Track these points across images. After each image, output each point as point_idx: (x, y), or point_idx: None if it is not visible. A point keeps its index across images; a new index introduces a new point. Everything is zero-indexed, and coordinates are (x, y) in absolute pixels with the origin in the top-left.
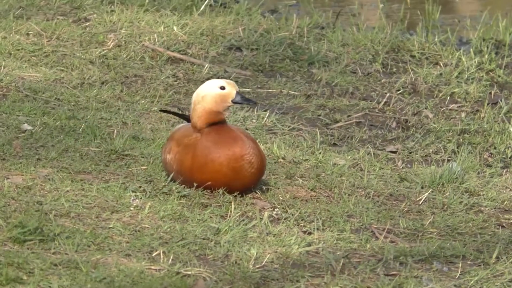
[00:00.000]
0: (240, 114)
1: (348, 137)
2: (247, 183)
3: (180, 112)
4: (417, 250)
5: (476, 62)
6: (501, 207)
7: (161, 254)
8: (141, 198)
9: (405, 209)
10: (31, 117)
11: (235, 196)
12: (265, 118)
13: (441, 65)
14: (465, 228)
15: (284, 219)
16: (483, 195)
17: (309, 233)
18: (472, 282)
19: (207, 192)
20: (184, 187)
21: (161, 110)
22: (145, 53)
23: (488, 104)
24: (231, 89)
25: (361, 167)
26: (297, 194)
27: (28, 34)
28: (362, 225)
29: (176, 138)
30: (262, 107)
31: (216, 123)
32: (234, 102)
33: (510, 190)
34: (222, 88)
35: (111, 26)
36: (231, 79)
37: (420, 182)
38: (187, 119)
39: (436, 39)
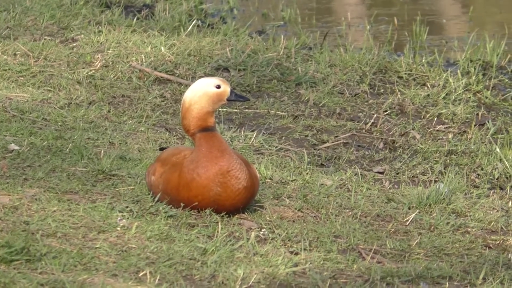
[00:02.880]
0: (227, 134)
1: (336, 157)
2: (235, 200)
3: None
4: (404, 271)
5: (464, 83)
6: (488, 228)
7: (148, 274)
8: (128, 218)
9: (392, 229)
10: (18, 137)
11: (222, 216)
12: (253, 139)
13: (429, 86)
14: (452, 249)
15: (271, 239)
16: (470, 216)
17: (296, 254)
18: None
19: (194, 212)
20: (171, 207)
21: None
22: (133, 74)
23: (475, 125)
24: (226, 87)
25: (348, 187)
26: (284, 215)
27: (15, 55)
28: (349, 245)
29: (162, 159)
30: (249, 127)
31: (207, 129)
32: (228, 100)
33: (497, 211)
34: (218, 86)
35: (99, 47)
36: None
37: (407, 203)
38: None
39: (423, 60)
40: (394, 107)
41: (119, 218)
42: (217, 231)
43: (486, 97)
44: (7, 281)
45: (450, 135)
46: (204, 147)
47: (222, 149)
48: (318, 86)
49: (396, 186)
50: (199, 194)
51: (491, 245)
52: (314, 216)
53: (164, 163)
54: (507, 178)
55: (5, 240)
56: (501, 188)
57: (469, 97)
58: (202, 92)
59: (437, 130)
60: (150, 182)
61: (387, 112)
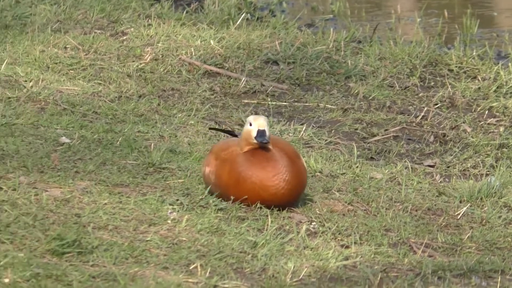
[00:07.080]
0: (277, 127)
1: (386, 151)
2: (283, 201)
3: (228, 129)
4: (456, 265)
5: None
6: None
7: (199, 267)
8: (178, 211)
9: (443, 223)
10: (69, 130)
11: (272, 209)
12: (302, 132)
13: (479, 79)
14: (504, 243)
15: (321, 233)
16: None
17: (347, 247)
18: None
19: (243, 205)
20: (221, 201)
21: (210, 128)
22: (182, 67)
23: None
24: (254, 127)
25: (399, 181)
26: (334, 208)
27: (66, 48)
28: (400, 239)
29: (214, 151)
30: (298, 120)
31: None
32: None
33: None
34: (250, 124)
35: (148, 40)
36: (268, 93)
37: (458, 197)
38: (234, 135)
39: (474, 53)
40: (445, 100)
41: (169, 211)
42: (267, 225)
43: None
44: (59, 273)
45: (501, 128)
46: (250, 152)
47: (268, 156)
48: (367, 79)
49: (447, 180)
50: (247, 195)
51: None
52: (364, 210)
53: (216, 157)
54: None
55: (57, 233)
56: None
57: None
58: (245, 125)
59: (488, 124)
60: (205, 173)
61: (437, 105)
